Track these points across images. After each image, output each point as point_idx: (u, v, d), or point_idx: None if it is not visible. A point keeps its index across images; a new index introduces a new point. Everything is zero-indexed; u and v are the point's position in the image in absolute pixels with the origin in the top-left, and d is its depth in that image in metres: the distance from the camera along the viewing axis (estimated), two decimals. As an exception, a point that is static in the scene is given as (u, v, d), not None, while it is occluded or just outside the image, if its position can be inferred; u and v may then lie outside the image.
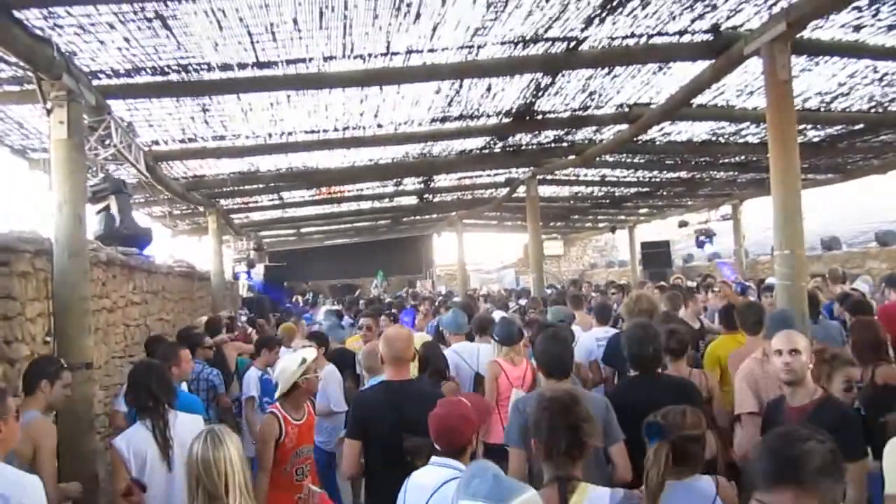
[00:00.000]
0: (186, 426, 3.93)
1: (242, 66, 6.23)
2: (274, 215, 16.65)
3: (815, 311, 6.94)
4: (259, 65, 6.25)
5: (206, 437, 2.89)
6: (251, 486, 2.96)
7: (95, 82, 5.94)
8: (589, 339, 7.03)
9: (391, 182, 14.01)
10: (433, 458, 3.21)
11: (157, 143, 8.30)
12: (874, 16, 6.55)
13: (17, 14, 4.40)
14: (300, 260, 24.58)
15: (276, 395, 4.67)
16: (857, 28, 6.86)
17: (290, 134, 8.67)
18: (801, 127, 10.17)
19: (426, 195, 16.43)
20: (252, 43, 5.80)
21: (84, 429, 5.16)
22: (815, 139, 11.29)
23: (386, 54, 6.42)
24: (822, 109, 9.40)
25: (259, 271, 18.95)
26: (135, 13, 5.02)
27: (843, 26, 6.83)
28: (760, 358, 4.57)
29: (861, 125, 10.41)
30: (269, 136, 8.64)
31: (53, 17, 4.89)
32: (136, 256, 7.85)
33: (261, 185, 11.88)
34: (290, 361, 4.62)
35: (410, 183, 14.49)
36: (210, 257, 13.44)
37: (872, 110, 9.62)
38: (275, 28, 5.57)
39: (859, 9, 6.36)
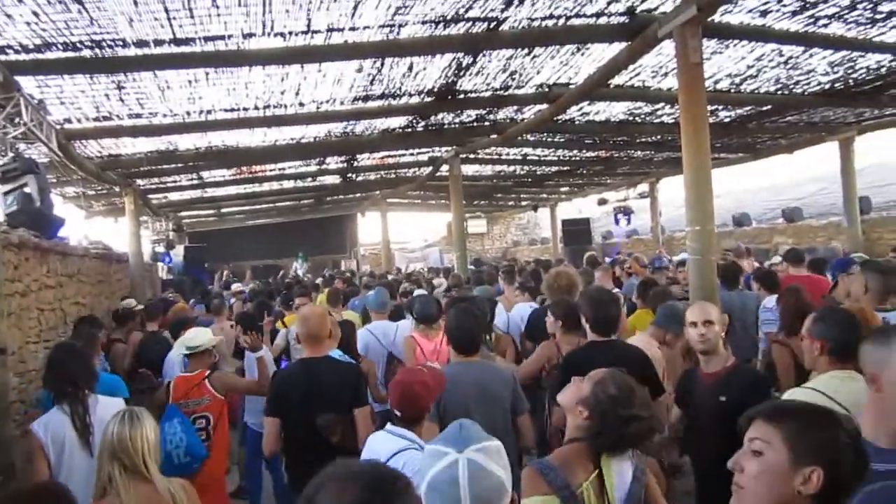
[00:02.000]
0: (108, 409, 3.84)
1: (159, 42, 6.10)
2: (193, 195, 16.27)
3: (735, 281, 7.30)
4: (176, 41, 6.13)
5: (122, 416, 3.06)
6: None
7: (2, 58, 5.73)
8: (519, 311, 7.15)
9: (314, 161, 13.89)
10: (388, 426, 3.26)
11: (69, 121, 8.01)
12: (779, 1, 6.83)
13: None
14: (221, 241, 24.09)
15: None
16: (764, 13, 7.15)
17: (209, 112, 8.49)
18: (713, 107, 10.56)
19: (349, 174, 16.35)
20: (169, 19, 5.69)
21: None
22: (726, 119, 11.72)
23: (307, 32, 6.38)
24: (732, 91, 9.78)
25: (179, 252, 18.54)
26: (44, -14, 4.87)
27: (750, 11, 7.11)
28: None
29: (769, 106, 10.87)
30: (188, 114, 8.45)
31: (-44, -12, 4.71)
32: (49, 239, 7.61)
33: (179, 165, 11.62)
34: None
35: (333, 162, 14.38)
36: (128, 239, 13.06)
37: (779, 92, 10.06)
38: (192, 3, 5.47)
39: (766, -7, 6.65)
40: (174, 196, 15.94)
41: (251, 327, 6.95)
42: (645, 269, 10.08)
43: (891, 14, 7.14)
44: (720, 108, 10.91)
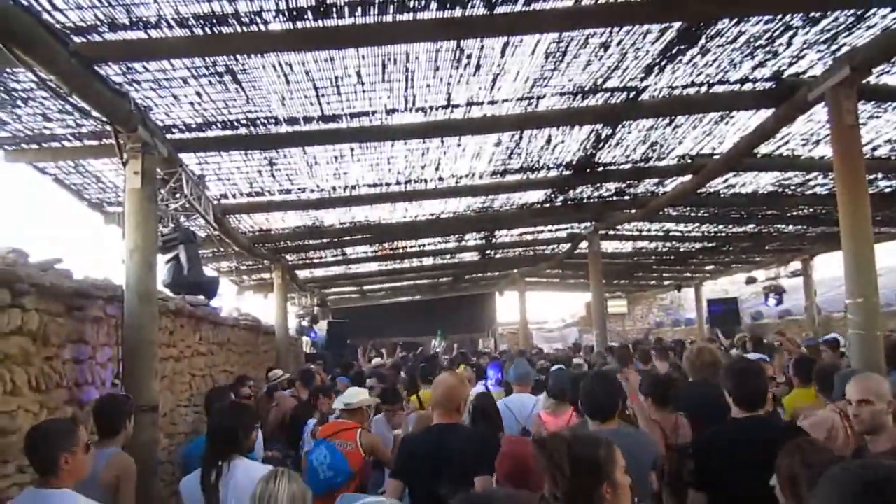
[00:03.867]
0: (250, 474, 3.79)
1: (308, 119, 6.45)
2: (338, 271, 16.89)
3: (896, 359, 6.68)
4: (324, 118, 6.46)
5: (271, 475, 3.14)
6: None
7: (168, 136, 6.19)
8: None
9: (453, 238, 14.12)
10: None
11: (225, 196, 8.56)
12: (943, 59, 6.41)
13: (98, 69, 4.64)
14: (363, 317, 24.73)
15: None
16: (925, 72, 6.73)
17: (353, 187, 8.86)
18: (871, 177, 9.92)
19: (488, 251, 16.48)
20: (318, 96, 6.01)
21: (148, 472, 5.22)
22: (887, 189, 10.97)
23: (447, 106, 6.56)
24: (893, 157, 9.16)
25: (322, 327, 19.12)
26: (206, 68, 5.26)
27: (910, 71, 6.71)
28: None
29: (935, 174, 10.10)
30: (333, 189, 8.84)
31: (131, 72, 5.16)
32: (203, 307, 8.02)
33: (325, 240, 12.11)
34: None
35: (472, 238, 14.56)
36: (275, 312, 13.64)
37: (946, 158, 9.33)
38: (339, 81, 5.77)
39: (927, 52, 6.24)
40: (319, 272, 16.59)
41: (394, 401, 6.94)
42: (799, 348, 9.43)
43: None
44: (880, 176, 10.23)
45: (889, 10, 5.58)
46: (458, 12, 4.82)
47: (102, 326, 5.24)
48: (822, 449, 2.87)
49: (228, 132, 6.53)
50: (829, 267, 17.91)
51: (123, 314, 5.25)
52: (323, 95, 6.00)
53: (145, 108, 5.46)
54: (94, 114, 4.88)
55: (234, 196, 8.64)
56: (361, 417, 5.57)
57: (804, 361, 6.50)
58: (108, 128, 5.07)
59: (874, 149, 8.74)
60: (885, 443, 3.45)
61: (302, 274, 16.00)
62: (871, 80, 6.61)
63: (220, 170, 7.70)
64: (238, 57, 5.14)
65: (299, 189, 8.70)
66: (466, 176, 8.91)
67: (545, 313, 33.50)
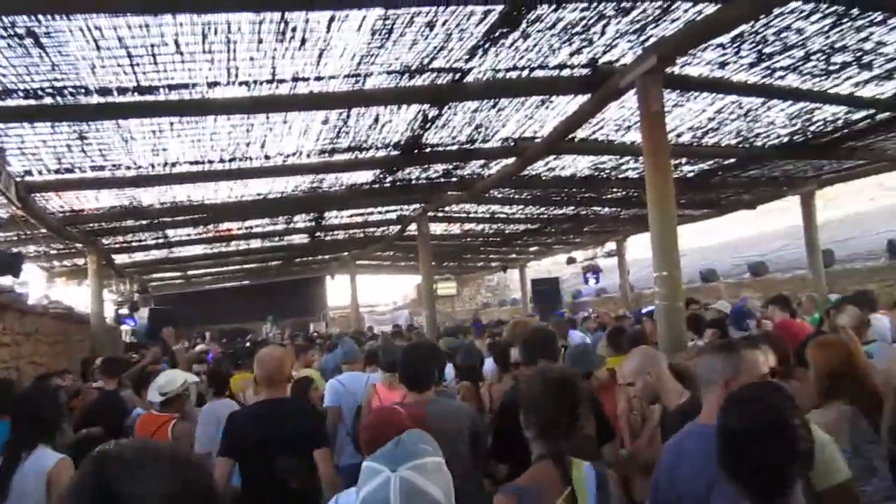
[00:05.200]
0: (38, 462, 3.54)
1: (122, 90, 6.04)
2: (159, 255, 16.08)
3: (700, 329, 7.29)
4: (140, 89, 6.07)
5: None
6: None
7: (-41, 104, 5.65)
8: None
9: (282, 219, 13.82)
10: None
11: (29, 172, 7.84)
12: (736, 53, 7.00)
13: None
14: (189, 304, 23.79)
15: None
16: (723, 65, 7.32)
17: (173, 165, 8.37)
18: (676, 162, 10.71)
19: (318, 233, 16.28)
20: (132, 66, 5.65)
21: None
22: (690, 174, 11.89)
23: (272, 81, 6.37)
24: (695, 144, 9.92)
25: (144, 315, 18.19)
26: (4, 29, 4.83)
27: (709, 63, 7.27)
28: None
29: (731, 160, 11.05)
30: (152, 166, 8.31)
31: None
32: (6, 294, 7.43)
33: (144, 222, 11.46)
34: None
35: (301, 220, 14.31)
36: (90, 299, 12.80)
37: (740, 145, 10.24)
38: (156, 50, 5.46)
39: (723, 46, 6.79)
40: (139, 256, 15.73)
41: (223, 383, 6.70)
42: (613, 319, 10.11)
43: (844, 66, 7.34)
44: (683, 162, 11.07)
45: (691, 4, 6.02)
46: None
47: None
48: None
49: (32, 102, 5.99)
50: (640, 247, 19.22)
51: None
52: (138, 65, 5.64)
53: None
54: None
55: (39, 173, 7.91)
56: (179, 405, 5.34)
57: (615, 332, 6.96)
58: None
59: (679, 136, 9.42)
60: (674, 401, 3.74)
61: (120, 258, 15.13)
62: (676, 70, 7.15)
63: (24, 143, 7.03)
64: (40, 17, 4.75)
65: (114, 166, 8.10)
66: (294, 154, 8.69)
67: (377, 296, 33.69)
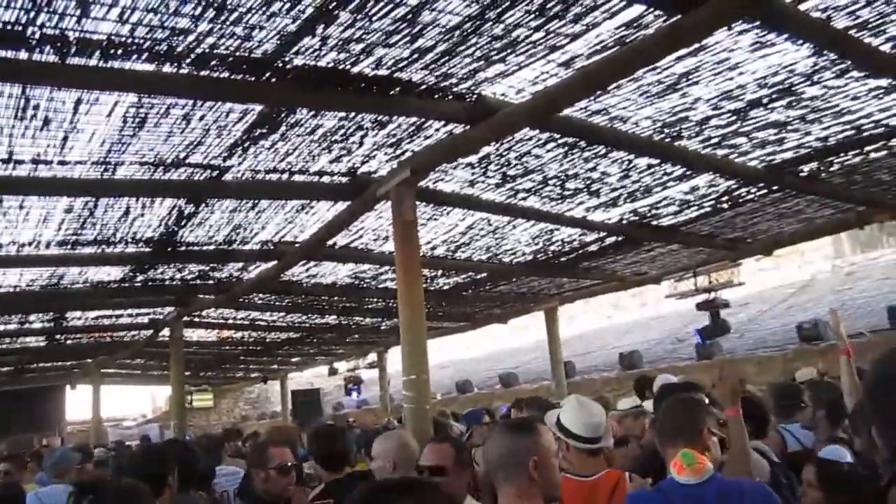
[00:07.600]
0: None
1: None
2: None
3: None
4: None
5: None
6: None
7: None
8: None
9: (14, 318, 12.48)
10: None
11: None
12: (484, 173, 7.54)
13: None
14: None
15: None
16: (472, 183, 7.83)
17: None
18: (433, 274, 11.19)
19: (57, 335, 14.83)
20: None
21: None
22: (446, 286, 12.42)
23: (8, 161, 5.88)
24: (449, 257, 10.40)
25: None
26: None
27: (460, 181, 7.77)
28: None
29: (483, 275, 11.72)
30: None
31: None
32: None
33: None
34: None
35: (38, 320, 12.99)
36: None
37: (490, 260, 10.90)
38: None
39: (472, 165, 7.31)
40: None
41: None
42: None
43: (576, 191, 8.13)
44: (439, 274, 11.55)
45: (443, 123, 6.45)
46: (23, 55, 4.44)
47: None
48: None
49: None
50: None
51: None
52: None
53: None
54: None
55: None
56: None
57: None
58: None
59: (433, 248, 9.84)
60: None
61: None
62: (430, 184, 7.55)
63: None
64: None
65: None
66: (30, 244, 7.98)
67: (124, 408, 31.16)
